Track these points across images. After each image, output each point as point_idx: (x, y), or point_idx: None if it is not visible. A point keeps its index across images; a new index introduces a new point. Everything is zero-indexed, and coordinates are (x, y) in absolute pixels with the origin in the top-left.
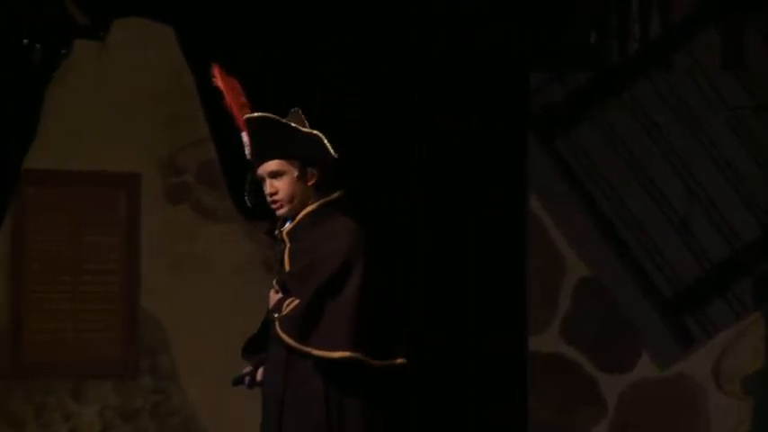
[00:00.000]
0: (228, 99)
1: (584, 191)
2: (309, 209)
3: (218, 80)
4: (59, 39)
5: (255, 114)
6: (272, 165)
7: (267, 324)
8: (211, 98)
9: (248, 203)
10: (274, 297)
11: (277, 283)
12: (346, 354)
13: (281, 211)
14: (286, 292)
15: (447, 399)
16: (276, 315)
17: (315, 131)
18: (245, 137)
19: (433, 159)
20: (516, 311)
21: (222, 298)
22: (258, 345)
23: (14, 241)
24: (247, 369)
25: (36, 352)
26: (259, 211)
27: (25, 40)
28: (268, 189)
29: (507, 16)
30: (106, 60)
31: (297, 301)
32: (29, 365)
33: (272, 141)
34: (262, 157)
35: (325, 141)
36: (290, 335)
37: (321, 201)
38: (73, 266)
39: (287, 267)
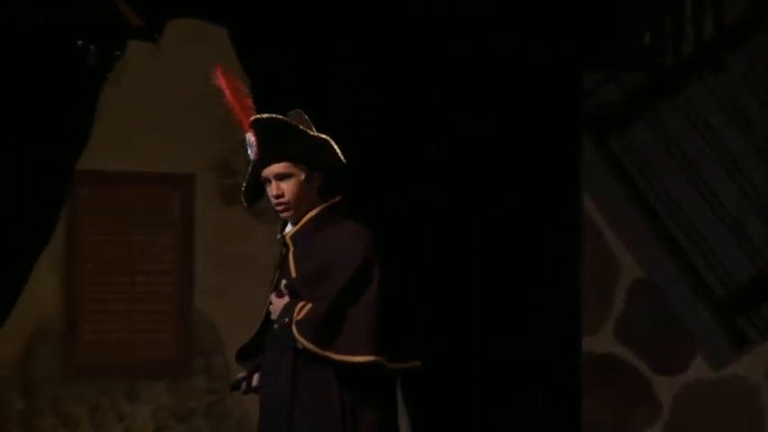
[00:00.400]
0: (231, 100)
1: (638, 192)
2: (313, 213)
3: (221, 81)
4: (113, 40)
5: (265, 115)
6: (279, 167)
7: (263, 329)
8: (266, 99)
9: (244, 204)
10: (278, 301)
11: (285, 287)
12: (368, 358)
13: (286, 214)
14: (295, 296)
15: (502, 399)
16: (287, 320)
17: (323, 135)
18: (250, 137)
19: (488, 160)
20: (570, 312)
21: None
22: (253, 350)
23: (69, 242)
24: (242, 374)
25: (90, 353)
26: None
27: (79, 42)
28: (274, 191)
29: (563, 17)
30: (160, 61)
31: (310, 305)
32: (83, 366)
33: (281, 143)
34: (269, 159)
35: (334, 145)
36: (309, 339)
37: (324, 205)
38: (127, 267)
39: (293, 272)
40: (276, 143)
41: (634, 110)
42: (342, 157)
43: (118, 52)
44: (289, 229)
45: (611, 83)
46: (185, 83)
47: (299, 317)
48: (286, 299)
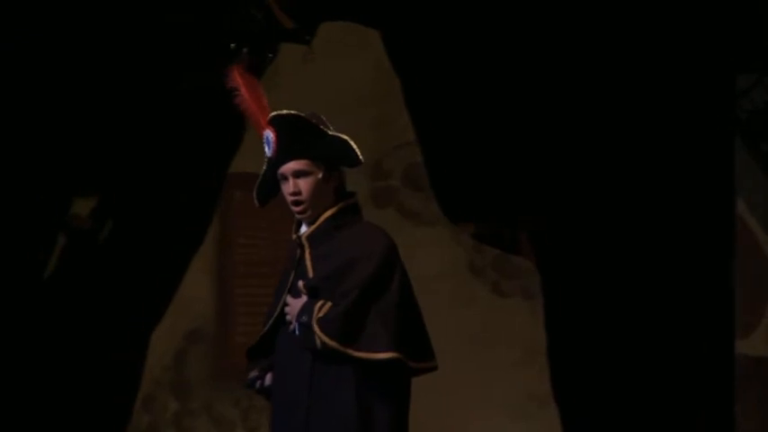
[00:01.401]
0: (247, 98)
1: None
2: (329, 213)
3: (237, 80)
4: (266, 43)
5: (284, 112)
6: (297, 164)
7: (274, 328)
8: (418, 101)
9: (256, 203)
10: (296, 302)
11: (303, 287)
12: (390, 355)
13: (301, 215)
14: (314, 296)
15: (652, 403)
16: (305, 318)
17: (342, 135)
18: (268, 134)
19: (641, 163)
20: (723, 315)
21: (427, 301)
22: (263, 350)
23: (221, 244)
24: (254, 373)
25: (242, 354)
26: (465, 214)
27: (232, 45)
28: (291, 188)
29: (714, 18)
30: (312, 64)
31: (330, 304)
32: (236, 368)
33: (300, 140)
34: (287, 156)
35: (353, 145)
36: (331, 337)
37: (340, 205)
38: (278, 269)
39: (310, 272)
40: (295, 140)
41: None
42: (360, 157)
43: (271, 55)
44: (304, 229)
45: (764, 84)
46: (337, 85)
47: (319, 315)
48: (303, 299)
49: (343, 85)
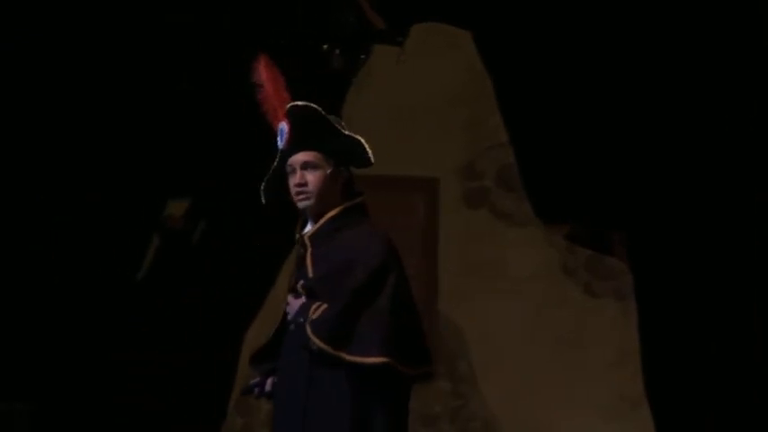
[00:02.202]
0: (269, 90)
1: None
2: (332, 213)
3: (263, 73)
4: (358, 44)
5: (301, 103)
6: (307, 155)
7: (279, 332)
8: (510, 102)
9: (262, 199)
10: (295, 302)
11: (302, 287)
12: (379, 359)
13: (304, 204)
14: (312, 296)
15: (746, 404)
16: (302, 320)
17: (356, 135)
18: (283, 125)
19: (737, 164)
20: None
21: (520, 303)
22: (268, 354)
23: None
24: (256, 379)
25: None
26: (558, 215)
27: (325, 46)
28: (297, 179)
29: None
30: (404, 65)
31: (325, 306)
32: None
33: (313, 133)
34: (298, 147)
35: (365, 145)
36: (322, 339)
37: (344, 206)
38: None
39: (310, 272)
40: (308, 132)
41: None
42: (371, 158)
43: (363, 56)
44: (308, 229)
45: None
46: (429, 86)
47: (313, 316)
48: (303, 299)
49: (434, 87)
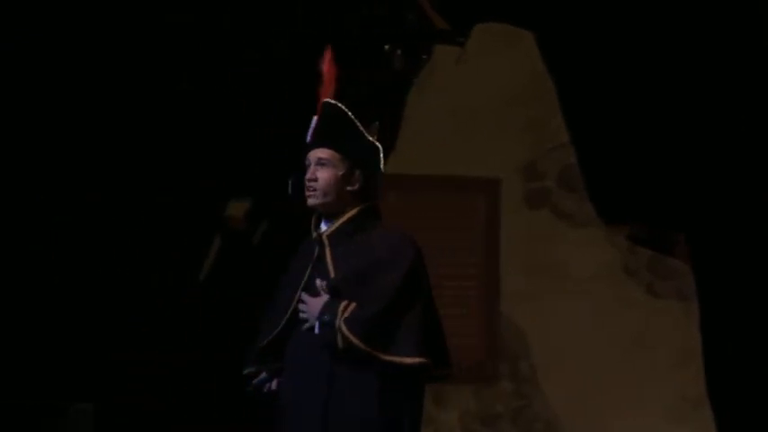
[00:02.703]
0: (325, 86)
1: None
2: (351, 214)
3: (327, 66)
4: (420, 44)
5: (332, 101)
6: (323, 152)
7: (284, 331)
8: (572, 102)
9: (289, 191)
10: (315, 301)
11: (324, 286)
12: (418, 360)
13: (310, 200)
14: (335, 295)
15: None
16: (327, 318)
17: (377, 143)
18: (315, 120)
19: None
20: None
21: (582, 303)
22: (270, 353)
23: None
24: (263, 375)
25: None
26: (619, 215)
27: (386, 46)
28: (309, 174)
29: None
30: (465, 65)
31: (355, 304)
32: None
33: (335, 132)
34: (318, 143)
35: (381, 155)
36: (360, 338)
37: (361, 207)
38: (433, 271)
39: (332, 272)
40: (330, 129)
41: None
42: (381, 165)
43: (424, 56)
44: (324, 228)
45: None
46: (491, 87)
47: (346, 315)
48: (323, 298)
49: (496, 87)
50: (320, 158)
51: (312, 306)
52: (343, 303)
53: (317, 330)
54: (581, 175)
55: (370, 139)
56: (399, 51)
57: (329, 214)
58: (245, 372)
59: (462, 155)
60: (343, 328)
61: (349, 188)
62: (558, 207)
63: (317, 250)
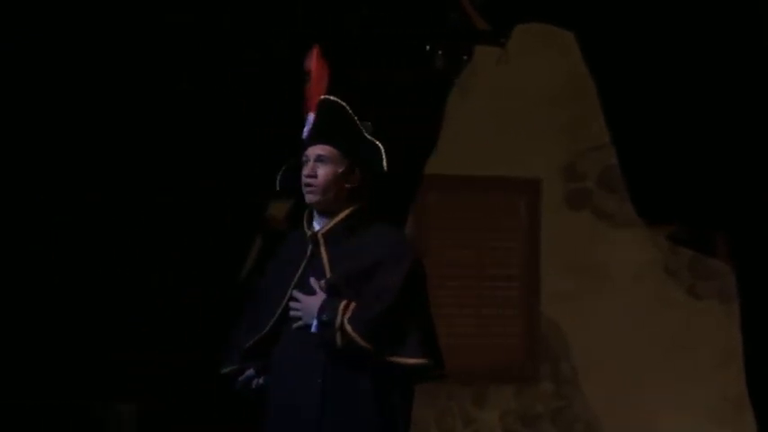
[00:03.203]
0: (313, 81)
1: None
2: (347, 212)
3: (314, 62)
4: (461, 45)
5: (332, 97)
6: (322, 149)
7: (274, 329)
8: (612, 103)
9: (277, 186)
10: (311, 299)
11: (322, 285)
12: (422, 360)
13: (309, 197)
14: (334, 294)
15: None
16: (326, 317)
17: (377, 141)
18: (311, 116)
19: None
20: None
21: (623, 304)
22: (258, 351)
23: (415, 244)
24: (250, 371)
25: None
26: (660, 216)
27: (427, 47)
28: (307, 171)
29: None
30: (506, 65)
31: (355, 303)
32: None
33: (334, 128)
34: (317, 139)
35: (383, 154)
36: (364, 337)
37: (357, 206)
38: (474, 272)
39: (328, 271)
40: (329, 126)
41: None
42: (385, 166)
43: (465, 57)
44: (317, 226)
45: None
46: (532, 87)
47: (347, 314)
48: (320, 297)
49: (536, 87)
50: (319, 155)
51: (308, 305)
52: (344, 303)
53: (314, 329)
54: (621, 176)
55: (370, 137)
56: (440, 52)
57: (324, 212)
58: (227, 370)
59: (503, 155)
60: (348, 328)
61: (348, 186)
62: (598, 207)
63: (309, 248)
